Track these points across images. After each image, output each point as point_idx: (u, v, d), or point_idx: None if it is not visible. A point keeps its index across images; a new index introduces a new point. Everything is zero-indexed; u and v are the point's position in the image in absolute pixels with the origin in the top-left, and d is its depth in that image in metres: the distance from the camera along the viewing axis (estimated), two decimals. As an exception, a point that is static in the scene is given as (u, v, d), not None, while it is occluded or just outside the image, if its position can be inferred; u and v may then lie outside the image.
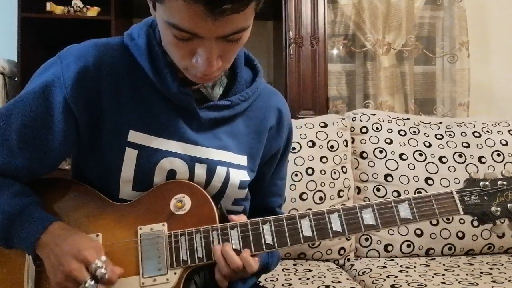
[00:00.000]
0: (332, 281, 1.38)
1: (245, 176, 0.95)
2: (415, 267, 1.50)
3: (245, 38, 0.79)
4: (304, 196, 1.62)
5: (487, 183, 0.88)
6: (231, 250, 0.83)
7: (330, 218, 0.86)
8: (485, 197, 0.88)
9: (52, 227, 0.82)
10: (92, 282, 0.76)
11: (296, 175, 1.63)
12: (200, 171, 0.89)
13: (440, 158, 1.70)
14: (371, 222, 0.85)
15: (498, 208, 0.87)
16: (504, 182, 0.88)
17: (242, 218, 0.88)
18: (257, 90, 0.97)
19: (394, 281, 1.36)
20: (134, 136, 0.86)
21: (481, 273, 1.42)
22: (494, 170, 1.66)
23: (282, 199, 1.12)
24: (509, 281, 1.33)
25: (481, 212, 0.87)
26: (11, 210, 0.82)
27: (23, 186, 0.87)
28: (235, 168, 0.93)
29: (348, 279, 1.44)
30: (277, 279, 1.40)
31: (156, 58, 0.87)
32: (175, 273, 0.83)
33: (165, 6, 0.73)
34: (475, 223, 0.92)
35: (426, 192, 1.63)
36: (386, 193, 1.66)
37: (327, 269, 1.51)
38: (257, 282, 1.09)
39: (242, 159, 0.95)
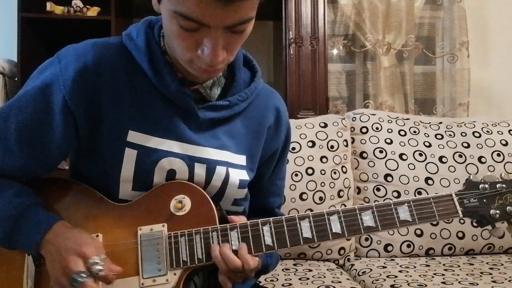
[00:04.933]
0: (332, 281, 1.38)
1: (244, 175, 0.95)
2: (415, 267, 1.50)
3: (249, 30, 0.79)
4: (304, 196, 1.62)
5: (487, 185, 0.88)
6: (229, 250, 0.83)
7: (329, 220, 0.85)
8: (484, 200, 0.87)
9: (56, 226, 0.82)
10: (84, 275, 0.75)
11: (296, 175, 1.63)
12: (200, 170, 0.89)
13: (440, 158, 1.70)
14: (370, 224, 0.85)
15: (497, 211, 0.87)
16: (504, 185, 0.88)
17: (242, 219, 0.87)
18: (255, 90, 0.97)
19: (394, 281, 1.36)
20: (133, 136, 0.86)
21: (481, 273, 1.42)
22: (494, 170, 1.68)
23: (282, 199, 1.11)
24: (509, 281, 1.33)
25: (480, 215, 0.87)
26: (13, 211, 0.82)
27: (23, 187, 0.86)
28: (234, 167, 0.93)
29: (348, 279, 1.44)
30: (277, 279, 1.40)
31: (156, 58, 0.87)
32: (174, 274, 0.83)
33: None
34: (475, 224, 0.91)
35: (426, 192, 1.65)
36: (386, 193, 1.66)
37: (327, 269, 1.51)
38: (257, 282, 1.09)
39: (241, 159, 0.95)
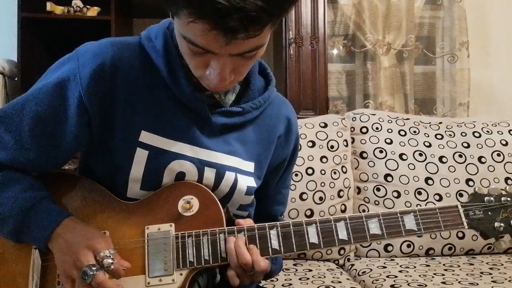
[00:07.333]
0: (332, 281, 1.39)
1: (252, 182, 0.95)
2: (415, 267, 1.50)
3: (260, 53, 0.78)
4: (304, 196, 1.62)
5: (492, 198, 0.89)
6: (243, 244, 0.83)
7: (336, 226, 0.86)
8: (489, 212, 0.89)
9: (66, 220, 0.83)
10: (94, 268, 0.76)
11: (296, 175, 1.63)
12: (209, 175, 0.90)
13: (440, 158, 1.70)
14: (376, 231, 0.86)
15: (502, 224, 0.88)
16: (508, 198, 0.89)
17: (249, 222, 0.88)
18: (268, 98, 0.97)
19: (394, 281, 1.36)
20: (145, 136, 0.86)
21: (481, 273, 1.42)
22: (494, 170, 1.68)
23: (285, 207, 1.12)
24: (509, 281, 1.34)
25: (485, 227, 0.88)
26: (22, 204, 0.82)
27: (33, 180, 0.87)
28: (243, 174, 0.93)
29: (348, 279, 1.44)
30: (277, 279, 1.40)
31: (173, 61, 0.87)
32: (181, 274, 0.83)
33: (180, 20, 0.72)
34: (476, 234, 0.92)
35: (426, 192, 1.65)
36: (386, 193, 1.67)
37: (327, 269, 1.52)
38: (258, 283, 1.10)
39: (250, 166, 0.95)
